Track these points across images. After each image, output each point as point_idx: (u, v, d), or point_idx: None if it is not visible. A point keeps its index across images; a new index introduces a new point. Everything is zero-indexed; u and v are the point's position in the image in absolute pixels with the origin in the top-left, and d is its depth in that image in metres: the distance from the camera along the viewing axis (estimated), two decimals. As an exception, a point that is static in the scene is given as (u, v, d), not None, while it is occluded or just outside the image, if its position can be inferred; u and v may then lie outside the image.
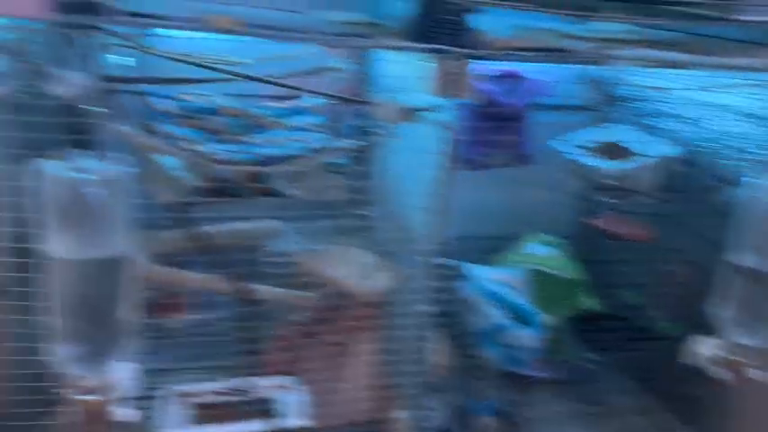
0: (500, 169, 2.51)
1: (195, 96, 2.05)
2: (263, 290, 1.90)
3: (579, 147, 2.29)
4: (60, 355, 1.19)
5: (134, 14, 1.21)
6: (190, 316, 2.32)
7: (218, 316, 2.23)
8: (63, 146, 1.58)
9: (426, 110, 1.49)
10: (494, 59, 1.39)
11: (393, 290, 1.81)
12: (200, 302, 2.29)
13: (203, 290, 1.98)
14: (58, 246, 1.12)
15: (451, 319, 2.00)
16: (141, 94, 1.89)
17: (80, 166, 1.12)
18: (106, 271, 1.18)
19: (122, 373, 1.38)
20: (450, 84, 1.38)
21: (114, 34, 1.22)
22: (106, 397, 1.31)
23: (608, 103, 2.55)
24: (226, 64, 1.99)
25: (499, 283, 2.13)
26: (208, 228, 2.03)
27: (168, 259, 2.00)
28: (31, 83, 1.31)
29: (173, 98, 1.95)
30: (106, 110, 1.39)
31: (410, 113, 1.52)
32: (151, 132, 1.77)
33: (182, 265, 2.12)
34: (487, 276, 2.13)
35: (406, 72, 1.59)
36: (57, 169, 1.09)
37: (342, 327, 1.91)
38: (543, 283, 2.26)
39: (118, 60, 1.84)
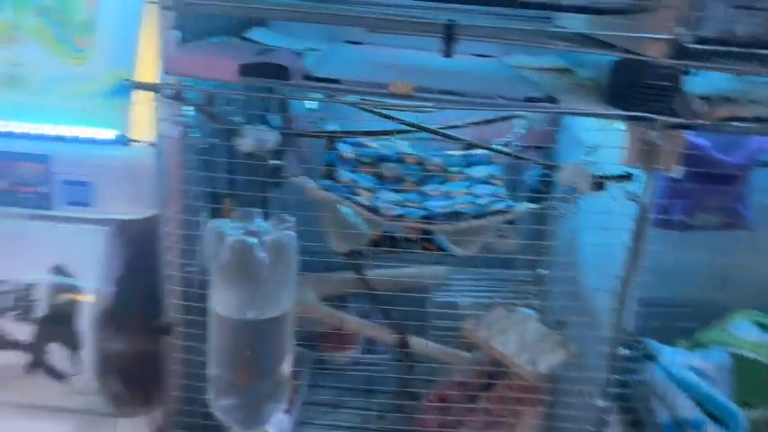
0: (711, 232, 2.19)
1: (379, 142, 2.07)
2: (422, 344, 1.84)
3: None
4: (218, 405, 1.21)
5: (318, 79, 1.22)
6: (354, 354, 2.34)
7: (380, 358, 2.23)
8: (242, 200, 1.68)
9: (618, 180, 1.33)
10: (700, 129, 1.19)
11: (563, 367, 1.64)
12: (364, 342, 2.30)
13: (362, 334, 1.97)
14: (222, 303, 1.14)
15: (632, 406, 1.77)
16: (329, 138, 1.94)
17: (249, 227, 1.13)
18: (267, 330, 1.18)
19: (276, 425, 1.40)
20: (645, 155, 1.20)
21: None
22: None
23: None
24: (406, 110, 1.98)
25: (694, 368, 1.84)
26: (376, 272, 2.03)
27: (335, 300, 2.03)
28: (220, 138, 1.39)
29: (355, 145, 1.97)
30: (286, 163, 1.43)
31: (600, 182, 1.37)
32: (332, 179, 1.80)
33: (347, 307, 2.15)
34: (680, 359, 1.86)
35: (602, 135, 1.43)
36: (226, 229, 1.11)
37: (503, 399, 1.78)
38: (751, 374, 1.92)
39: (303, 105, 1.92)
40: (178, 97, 1.27)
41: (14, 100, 1.74)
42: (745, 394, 1.92)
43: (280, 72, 1.20)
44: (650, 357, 1.83)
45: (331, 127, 1.94)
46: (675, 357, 1.83)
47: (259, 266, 1.08)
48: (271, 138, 1.35)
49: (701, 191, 2.12)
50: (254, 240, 1.08)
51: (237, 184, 1.66)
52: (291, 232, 1.12)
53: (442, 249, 1.66)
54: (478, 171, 1.90)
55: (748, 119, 1.17)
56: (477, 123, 1.93)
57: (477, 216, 1.50)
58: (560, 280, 1.81)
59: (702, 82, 1.28)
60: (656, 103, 1.15)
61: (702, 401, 1.81)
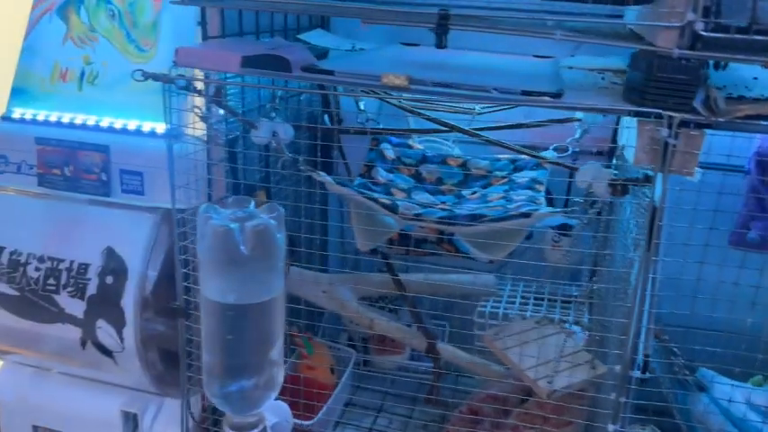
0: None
1: (425, 144, 2.05)
2: (453, 352, 1.78)
3: None
4: (209, 390, 1.25)
5: (314, 71, 1.23)
6: (401, 359, 2.32)
7: (428, 367, 2.18)
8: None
9: (641, 183, 1.21)
10: (718, 128, 1.06)
11: (592, 386, 1.52)
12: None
13: (395, 338, 1.94)
14: (207, 286, 1.18)
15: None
16: (373, 138, 1.94)
17: (238, 213, 1.16)
18: (251, 315, 1.20)
19: (274, 412, 1.42)
20: (656, 155, 1.09)
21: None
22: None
23: None
24: (456, 112, 1.94)
25: (756, 407, 1.63)
26: (416, 276, 2.00)
27: (375, 302, 2.02)
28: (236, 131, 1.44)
29: (399, 145, 1.96)
30: (299, 157, 1.46)
31: (620, 186, 1.26)
32: (368, 177, 1.80)
33: (388, 309, 2.13)
34: (740, 394, 1.66)
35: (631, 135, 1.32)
36: (213, 213, 1.15)
37: (531, 417, 1.68)
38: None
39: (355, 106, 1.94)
40: (190, 89, 1.32)
41: (86, 95, 1.91)
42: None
43: (280, 64, 1.22)
44: (701, 388, 1.65)
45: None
46: (733, 391, 1.63)
47: (236, 251, 1.10)
48: (284, 130, 1.38)
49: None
50: (233, 225, 1.10)
51: (271, 176, 1.70)
52: (273, 221, 1.12)
53: (463, 252, 1.60)
54: (523, 175, 1.82)
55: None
56: (528, 126, 1.86)
57: (497, 219, 1.43)
58: (602, 293, 1.69)
59: (726, 76, 1.14)
60: (670, 99, 1.04)
61: (761, 443, 1.61)
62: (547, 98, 1.12)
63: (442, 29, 1.08)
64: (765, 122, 1.04)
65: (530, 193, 1.70)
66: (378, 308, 2.19)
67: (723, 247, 1.27)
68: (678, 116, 1.06)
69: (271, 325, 1.22)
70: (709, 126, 1.06)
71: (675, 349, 1.62)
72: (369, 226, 1.60)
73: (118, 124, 1.85)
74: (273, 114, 1.54)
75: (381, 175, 1.82)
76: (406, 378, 2.22)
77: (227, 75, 1.39)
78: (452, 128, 1.63)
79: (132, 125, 1.84)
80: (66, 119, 1.89)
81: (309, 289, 1.87)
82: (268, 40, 1.61)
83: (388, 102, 1.86)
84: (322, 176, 1.45)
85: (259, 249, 1.15)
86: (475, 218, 1.47)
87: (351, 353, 2.26)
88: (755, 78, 1.31)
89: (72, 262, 1.82)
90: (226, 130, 1.54)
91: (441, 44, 1.10)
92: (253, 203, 1.20)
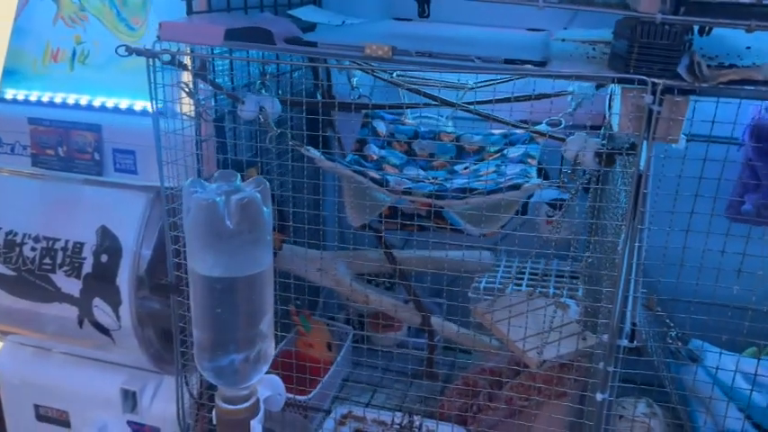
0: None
1: (418, 120, 2.04)
2: (447, 326, 1.79)
3: None
4: (200, 364, 1.26)
5: (298, 42, 1.22)
6: (401, 336, 2.33)
7: (424, 343, 2.19)
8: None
9: (622, 153, 1.21)
10: (702, 94, 1.05)
11: (585, 357, 1.53)
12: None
13: (390, 314, 1.95)
14: (194, 260, 1.18)
15: (670, 413, 1.61)
16: (364, 115, 1.94)
17: (224, 187, 1.16)
18: (239, 288, 1.21)
19: (267, 385, 1.43)
20: (640, 122, 1.08)
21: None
22: (245, 408, 1.35)
23: None
24: (449, 88, 1.93)
25: (750, 376, 1.63)
26: (411, 252, 2.00)
27: (371, 279, 2.03)
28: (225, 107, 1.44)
29: (392, 122, 1.95)
30: (287, 132, 1.45)
31: (607, 156, 1.25)
32: (360, 153, 1.80)
33: (385, 286, 2.14)
34: (733, 364, 1.66)
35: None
36: (198, 187, 1.15)
37: (524, 388, 1.69)
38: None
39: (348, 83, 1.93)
40: (175, 63, 1.32)
41: (77, 74, 1.91)
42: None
43: (262, 36, 1.22)
44: (693, 358, 1.66)
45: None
46: (723, 361, 1.63)
47: (222, 224, 1.10)
48: (272, 105, 1.37)
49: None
50: (218, 199, 1.10)
51: (263, 153, 1.70)
52: (259, 194, 1.12)
53: (455, 226, 1.60)
54: (516, 150, 1.82)
55: (761, 82, 1.02)
56: (520, 99, 1.85)
57: (488, 192, 1.43)
58: (598, 264, 1.69)
59: (718, 45, 1.13)
60: (654, 65, 1.03)
61: (751, 413, 1.62)
62: (530, 66, 1.11)
63: (424, -3, 1.07)
64: (750, 87, 1.03)
65: (522, 167, 1.69)
66: (374, 284, 2.20)
67: (710, 216, 1.26)
68: (661, 82, 1.05)
69: (260, 298, 1.23)
70: (693, 92, 1.05)
71: (668, 320, 1.62)
72: (360, 200, 1.60)
73: (110, 103, 1.85)
74: (262, 90, 1.54)
75: (374, 151, 1.82)
76: (404, 354, 2.24)
77: (214, 49, 1.39)
78: (444, 102, 1.62)
79: (124, 104, 1.84)
80: (58, 99, 1.90)
81: (304, 266, 1.87)
82: (254, 15, 1.60)
83: (379, 78, 1.85)
84: (311, 152, 1.45)
85: (245, 223, 1.15)
86: (465, 191, 1.47)
87: (348, 330, 2.28)
88: (748, 48, 1.29)
89: (67, 241, 1.83)
90: (215, 106, 1.54)
91: (423, 12, 1.09)
92: (239, 178, 1.20)
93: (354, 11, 2.05)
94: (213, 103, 1.54)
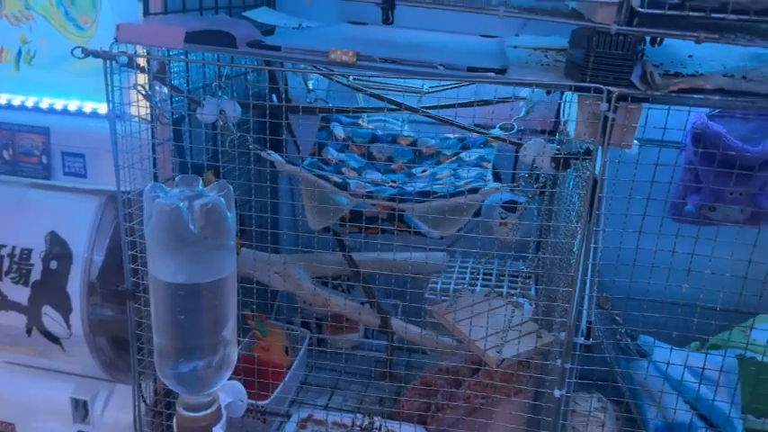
0: (734, 227, 2.03)
1: (375, 124, 2.05)
2: (406, 329, 1.81)
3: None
4: (162, 372, 1.23)
5: (260, 46, 1.22)
6: (358, 338, 2.33)
7: (381, 344, 2.20)
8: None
9: (578, 157, 1.25)
10: (654, 102, 1.10)
11: (541, 355, 1.58)
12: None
13: (350, 317, 1.96)
14: (156, 266, 1.16)
15: (620, 407, 1.67)
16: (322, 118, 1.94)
17: (186, 192, 1.14)
18: (202, 295, 1.19)
19: (229, 391, 1.41)
20: (596, 128, 1.13)
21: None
22: (207, 415, 1.34)
23: None
24: (405, 92, 1.95)
25: (695, 370, 1.71)
26: (369, 255, 2.01)
27: (330, 282, 2.03)
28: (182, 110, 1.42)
29: (349, 125, 1.96)
30: (247, 135, 1.44)
31: (563, 160, 1.30)
32: (319, 157, 1.80)
33: (342, 288, 2.14)
34: (679, 359, 1.74)
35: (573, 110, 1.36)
36: (159, 192, 1.13)
37: (483, 386, 1.73)
38: (763, 382, 1.78)
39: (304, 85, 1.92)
40: (132, 66, 1.30)
41: (23, 75, 1.84)
42: (754, 400, 1.79)
43: (225, 40, 1.21)
44: (642, 354, 1.73)
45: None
46: (672, 356, 1.71)
47: (185, 230, 1.09)
48: (232, 108, 1.36)
49: (720, 182, 1.97)
50: (181, 204, 1.09)
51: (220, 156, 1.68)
52: (223, 199, 1.11)
53: (414, 229, 1.62)
54: (472, 154, 1.85)
55: (709, 90, 1.08)
56: (474, 104, 1.88)
57: (447, 196, 1.46)
58: (551, 264, 1.74)
59: (663, 54, 1.19)
60: (609, 74, 1.07)
61: (698, 405, 1.70)
62: (491, 74, 1.14)
63: (388, 3, 1.08)
64: (699, 96, 1.08)
65: (478, 170, 1.73)
66: (332, 287, 2.20)
67: (660, 218, 1.32)
68: (616, 91, 1.09)
69: (223, 304, 1.22)
70: (646, 100, 1.10)
71: (618, 317, 1.69)
72: (321, 204, 1.61)
73: (58, 105, 1.79)
74: (219, 93, 1.52)
75: (332, 154, 1.82)
76: (362, 356, 2.25)
77: (171, 51, 1.37)
78: (401, 106, 1.64)
79: (73, 106, 1.78)
80: (3, 100, 1.82)
81: (263, 270, 1.86)
82: (212, 17, 1.58)
83: (336, 81, 1.86)
84: (272, 156, 1.45)
85: (209, 228, 1.14)
86: (425, 195, 1.49)
87: (305, 333, 2.28)
88: (690, 56, 1.36)
89: (14, 248, 1.77)
90: (171, 109, 1.51)
91: (387, 19, 1.11)
92: (201, 182, 1.19)
93: (309, 14, 2.05)
94: (170, 106, 1.52)
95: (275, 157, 1.46)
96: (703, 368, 1.62)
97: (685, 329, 1.52)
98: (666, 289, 1.39)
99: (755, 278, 1.71)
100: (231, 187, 1.18)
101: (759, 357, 1.81)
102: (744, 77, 1.13)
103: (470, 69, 1.14)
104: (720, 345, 1.95)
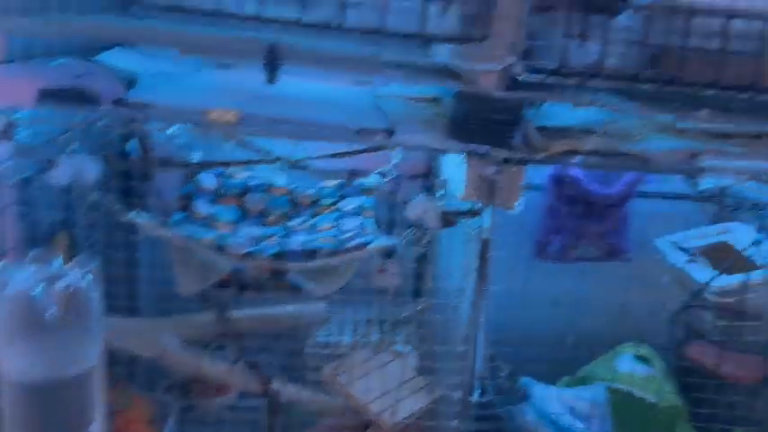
0: (590, 263, 2.16)
1: (247, 173, 1.95)
2: (289, 390, 1.72)
3: (682, 248, 1.92)
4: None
5: (134, 104, 1.10)
6: (230, 399, 2.18)
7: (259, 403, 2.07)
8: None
9: (466, 215, 1.26)
10: (536, 164, 1.14)
11: (429, 409, 1.55)
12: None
13: (228, 382, 1.83)
14: (8, 362, 0.99)
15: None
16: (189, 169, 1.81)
17: (44, 271, 0.99)
18: (63, 390, 1.03)
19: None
20: (483, 190, 1.14)
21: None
22: None
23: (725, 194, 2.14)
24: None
25: (569, 406, 1.79)
26: (244, 312, 1.89)
27: (200, 344, 1.88)
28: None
29: (219, 175, 1.85)
30: (112, 197, 1.30)
31: (448, 218, 1.30)
32: (186, 212, 1.67)
33: (214, 350, 2.00)
34: (554, 396, 1.80)
35: (457, 170, 1.36)
36: (11, 274, 0.97)
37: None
38: (626, 408, 1.89)
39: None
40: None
41: None
42: (623, 429, 1.89)
43: (84, 97, 1.07)
44: (523, 397, 1.77)
45: (195, 156, 1.82)
46: (548, 395, 1.77)
47: (42, 320, 0.93)
48: (91, 168, 1.21)
49: (580, 222, 2.10)
50: (37, 289, 0.94)
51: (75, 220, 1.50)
52: (90, 276, 0.97)
53: (296, 288, 1.55)
54: (351, 203, 1.81)
55: (585, 152, 1.13)
56: (348, 153, 1.85)
57: (333, 253, 1.40)
58: (433, 310, 1.74)
59: (544, 114, 1.24)
60: (493, 138, 1.08)
61: (577, 441, 1.76)
62: (380, 137, 1.11)
63: (272, 64, 1.02)
64: (578, 159, 1.13)
65: (359, 220, 1.69)
66: (202, 347, 2.04)
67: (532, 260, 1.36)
68: (500, 154, 1.11)
69: (87, 399, 1.06)
70: (528, 162, 1.13)
71: (499, 364, 1.71)
72: (194, 268, 1.48)
73: None
74: (74, 148, 1.35)
75: (201, 209, 1.70)
76: (238, 416, 2.10)
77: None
78: (276, 159, 1.57)
79: None
80: None
81: (124, 338, 1.68)
82: (64, 64, 1.41)
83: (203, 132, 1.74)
84: (140, 219, 1.31)
85: (71, 313, 0.99)
86: (311, 252, 1.43)
87: (171, 401, 2.08)
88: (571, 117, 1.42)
89: None
90: (15, 169, 1.32)
91: (271, 79, 1.04)
92: (60, 259, 1.04)
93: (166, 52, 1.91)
94: (13, 166, 1.32)
95: (143, 220, 1.32)
96: (572, 404, 1.69)
97: (565, 366, 1.58)
98: (535, 325, 1.42)
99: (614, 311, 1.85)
100: (95, 262, 1.04)
101: (625, 388, 1.93)
102: (605, 132, 1.20)
103: (360, 132, 1.10)
104: (588, 378, 2.05)
